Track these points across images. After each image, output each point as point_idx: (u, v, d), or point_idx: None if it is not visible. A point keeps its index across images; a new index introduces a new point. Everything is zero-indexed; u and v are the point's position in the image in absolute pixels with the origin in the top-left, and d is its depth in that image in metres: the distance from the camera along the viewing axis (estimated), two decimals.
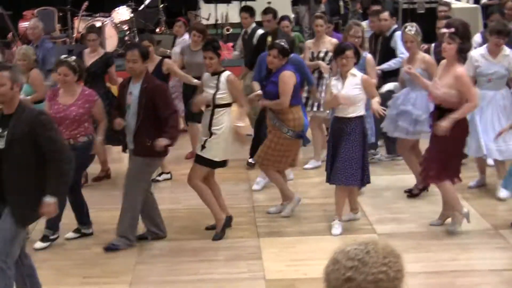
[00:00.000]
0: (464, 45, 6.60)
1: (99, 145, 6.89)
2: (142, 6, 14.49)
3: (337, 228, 6.84)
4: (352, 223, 7.09)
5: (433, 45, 8.74)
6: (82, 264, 6.39)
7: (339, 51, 6.83)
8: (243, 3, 13.20)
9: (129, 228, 6.63)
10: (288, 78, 7.02)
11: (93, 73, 8.35)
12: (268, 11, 9.41)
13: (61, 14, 14.64)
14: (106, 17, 14.04)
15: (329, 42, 8.84)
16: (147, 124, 6.44)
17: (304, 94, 8.51)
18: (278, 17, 9.47)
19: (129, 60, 6.52)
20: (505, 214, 7.26)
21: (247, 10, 9.99)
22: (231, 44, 12.54)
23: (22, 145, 4.96)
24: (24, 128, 4.98)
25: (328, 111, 7.98)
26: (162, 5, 14.94)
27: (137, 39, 13.10)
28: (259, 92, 7.37)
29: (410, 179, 7.92)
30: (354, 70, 6.83)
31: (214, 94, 6.71)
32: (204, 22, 14.54)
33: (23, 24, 13.12)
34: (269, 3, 13.49)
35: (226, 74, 6.78)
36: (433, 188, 7.35)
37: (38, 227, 6.72)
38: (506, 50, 7.61)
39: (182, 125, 9.15)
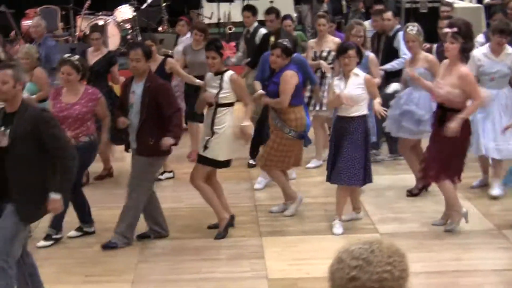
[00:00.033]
0: (466, 45, 6.61)
1: (104, 144, 6.90)
2: (145, 5, 14.48)
3: (337, 228, 6.83)
4: (354, 223, 7.09)
5: (435, 45, 8.73)
6: (84, 263, 6.40)
7: (341, 50, 6.82)
8: (245, 2, 13.19)
9: (128, 227, 6.62)
10: (290, 77, 7.02)
11: (96, 72, 8.35)
12: (271, 11, 9.40)
13: (63, 12, 14.66)
14: (109, 15, 14.03)
15: (332, 41, 8.83)
16: (150, 123, 6.43)
17: (307, 94, 8.51)
18: (281, 16, 9.46)
19: (132, 59, 6.52)
20: (508, 214, 7.24)
21: (249, 9, 9.98)
22: (233, 43, 12.53)
23: (25, 143, 4.97)
24: (26, 126, 4.99)
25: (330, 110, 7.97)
26: (164, 4, 14.93)
27: (139, 38, 13.09)
28: (262, 91, 7.36)
29: (412, 179, 7.91)
30: (357, 70, 6.82)
31: (217, 94, 6.70)
32: (207, 21, 14.55)
33: (26, 23, 13.14)
34: (271, 2, 13.52)
35: (229, 73, 6.77)
36: (435, 187, 7.34)
37: (41, 225, 6.71)
38: (509, 49, 7.61)
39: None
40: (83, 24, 13.88)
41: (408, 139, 7.70)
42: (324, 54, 8.80)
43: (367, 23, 9.71)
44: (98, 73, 8.44)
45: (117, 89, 8.55)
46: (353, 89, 6.73)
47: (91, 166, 7.52)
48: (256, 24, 9.86)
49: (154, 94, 6.46)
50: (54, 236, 6.74)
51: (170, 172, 8.72)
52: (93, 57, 8.63)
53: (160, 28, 14.75)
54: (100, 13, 14.29)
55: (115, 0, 14.76)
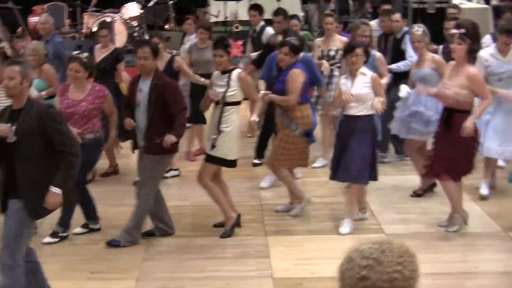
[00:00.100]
0: (474, 46, 6.61)
1: (112, 140, 6.90)
2: (152, 3, 14.48)
3: (345, 227, 6.82)
4: (360, 223, 7.07)
5: (441, 46, 8.71)
6: (89, 259, 6.39)
7: (348, 49, 6.82)
8: (252, 1, 13.18)
9: (135, 226, 6.61)
10: (297, 75, 7.01)
11: (102, 69, 8.36)
12: (279, 12, 9.37)
13: (70, 9, 14.67)
14: (116, 13, 14.04)
15: (339, 40, 8.81)
16: (157, 121, 6.43)
17: (315, 93, 8.49)
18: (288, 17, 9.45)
19: (140, 57, 6.52)
20: None
21: (256, 8, 9.98)
22: (240, 42, 12.51)
23: (31, 139, 4.98)
24: (33, 123, 4.99)
25: (338, 109, 7.96)
26: (171, 2, 14.93)
27: (146, 36, 13.09)
28: (266, 91, 7.34)
29: (418, 180, 7.89)
30: (364, 69, 6.81)
31: (225, 92, 6.69)
32: (213, 19, 14.54)
33: (33, 19, 13.16)
34: (278, 1, 13.50)
35: (237, 71, 6.76)
36: (440, 188, 7.31)
37: (47, 221, 6.72)
38: None
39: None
40: (89, 21, 13.89)
41: (415, 140, 7.69)
42: (332, 53, 8.77)
43: (374, 23, 9.69)
44: (105, 71, 8.46)
45: (123, 86, 8.55)
46: (360, 88, 6.72)
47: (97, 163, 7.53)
48: (262, 23, 9.85)
49: (161, 92, 6.45)
50: (61, 234, 6.74)
51: (176, 170, 8.72)
52: (100, 54, 8.66)
53: (166, 26, 14.75)
54: (107, 10, 14.30)
55: None
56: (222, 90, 6.71)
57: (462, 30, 6.57)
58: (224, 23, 15.08)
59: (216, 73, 6.90)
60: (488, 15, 13.29)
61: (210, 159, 6.75)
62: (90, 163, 6.84)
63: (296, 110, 7.06)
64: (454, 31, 6.72)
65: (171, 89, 6.54)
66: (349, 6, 14.96)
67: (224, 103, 6.70)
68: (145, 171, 6.59)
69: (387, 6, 10.16)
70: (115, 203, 7.67)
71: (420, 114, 7.54)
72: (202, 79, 8.36)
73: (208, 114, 7.60)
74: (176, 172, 8.71)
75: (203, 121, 8.96)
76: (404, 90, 7.40)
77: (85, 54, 6.90)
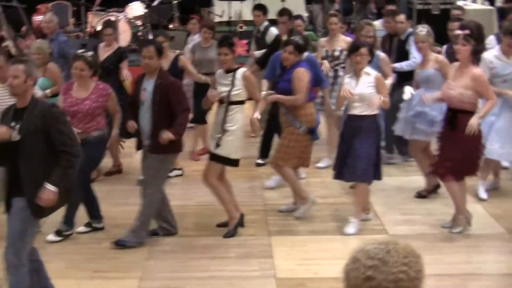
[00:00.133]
0: (478, 47, 6.61)
1: (114, 139, 6.89)
2: (156, 2, 14.49)
3: (351, 227, 6.80)
4: (364, 224, 7.05)
5: (445, 46, 8.70)
6: (92, 258, 6.39)
7: (353, 48, 6.82)
8: (256, 1, 13.17)
9: (142, 226, 6.60)
10: (302, 74, 7.00)
11: (106, 68, 8.36)
12: (283, 12, 9.37)
13: (75, 8, 14.68)
14: (120, 12, 14.04)
15: (343, 40, 8.80)
16: (161, 120, 6.42)
17: (320, 93, 8.46)
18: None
19: (145, 57, 6.51)
20: None
21: (260, 8, 9.98)
22: (245, 41, 12.52)
23: (35, 138, 4.98)
24: (36, 121, 5.00)
25: (342, 109, 7.95)
26: (176, 1, 14.93)
27: (150, 35, 13.09)
28: (269, 91, 7.33)
29: (422, 181, 7.88)
30: (368, 69, 6.81)
31: (230, 91, 6.68)
32: (218, 19, 14.54)
33: (37, 18, 13.17)
34: (283, 1, 13.49)
35: (241, 70, 6.76)
36: (445, 190, 7.30)
37: (50, 220, 6.71)
38: None
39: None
40: (94, 20, 13.90)
41: (420, 141, 7.68)
42: (336, 53, 8.76)
43: (377, 23, 9.68)
44: (108, 69, 8.45)
45: (127, 84, 8.55)
46: (364, 87, 6.72)
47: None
48: (266, 23, 9.85)
49: (165, 92, 6.45)
50: (65, 233, 6.75)
51: (179, 169, 8.71)
52: (104, 53, 8.67)
53: (171, 26, 14.75)
54: (111, 9, 14.30)
55: None
56: (226, 89, 6.70)
57: (467, 31, 6.56)
58: (228, 23, 15.08)
59: (219, 71, 6.89)
60: (492, 17, 13.27)
61: (215, 157, 6.74)
62: (95, 161, 6.85)
63: (300, 108, 7.05)
64: (458, 32, 6.72)
65: (175, 89, 6.53)
66: (353, 6, 14.95)
67: (228, 102, 6.69)
68: (150, 170, 6.59)
69: (391, 7, 10.15)
70: (118, 202, 7.67)
71: (424, 115, 7.53)
72: (204, 77, 8.39)
73: (210, 113, 7.60)
74: (179, 172, 8.71)
75: (203, 121, 8.98)
76: (408, 92, 7.40)
77: (90, 53, 6.92)
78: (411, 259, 2.15)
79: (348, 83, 6.82)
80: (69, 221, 6.71)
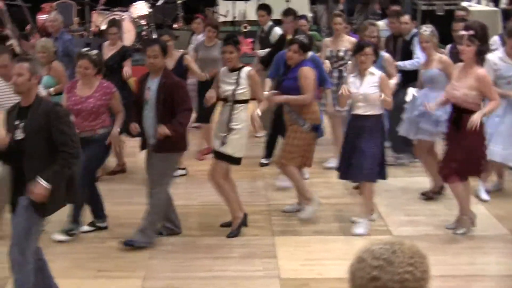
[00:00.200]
0: (482, 47, 6.60)
1: (115, 137, 6.88)
2: (161, 1, 14.50)
3: (361, 227, 6.78)
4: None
5: (448, 46, 8.69)
6: (96, 258, 6.39)
7: (358, 48, 6.82)
8: (261, 1, 13.18)
9: (150, 225, 6.59)
10: (308, 72, 7.00)
11: (110, 67, 8.37)
12: (288, 12, 9.37)
13: (79, 7, 14.70)
14: (124, 11, 14.06)
15: (348, 40, 8.79)
16: (165, 119, 6.41)
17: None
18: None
19: (150, 56, 6.51)
20: None
21: (264, 8, 9.98)
22: (250, 39, 12.52)
23: (39, 137, 4.98)
24: (40, 120, 5.00)
25: (345, 109, 7.93)
26: (180, 1, 14.95)
27: (154, 35, 13.10)
28: (273, 91, 7.32)
29: (427, 182, 7.87)
30: (372, 69, 6.80)
31: (235, 90, 6.68)
32: (222, 19, 14.55)
33: (42, 17, 13.19)
34: (287, 1, 13.49)
35: (246, 69, 6.75)
36: (449, 191, 7.29)
37: (54, 218, 6.70)
38: None
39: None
40: (98, 19, 13.91)
41: (425, 141, 7.66)
42: (341, 53, 8.75)
43: (381, 23, 9.67)
44: (112, 68, 8.46)
45: (131, 82, 8.56)
46: (368, 87, 6.71)
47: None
48: (270, 23, 9.85)
49: (170, 91, 6.44)
50: (73, 232, 6.75)
51: (183, 169, 8.71)
52: (108, 51, 8.68)
53: (175, 25, 14.75)
54: (116, 8, 14.32)
55: None
56: (230, 87, 6.69)
57: (471, 32, 6.56)
58: (233, 22, 15.09)
59: (223, 69, 6.88)
60: (497, 18, 13.26)
61: (220, 156, 6.73)
62: (100, 158, 6.85)
63: (304, 106, 7.04)
64: (463, 32, 6.71)
65: (179, 89, 6.53)
66: (355, 7, 14.97)
67: (233, 101, 6.69)
68: (154, 170, 6.58)
69: (396, 7, 10.14)
70: (122, 202, 7.68)
71: (429, 114, 7.51)
72: (203, 73, 8.43)
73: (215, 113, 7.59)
74: (183, 171, 8.70)
75: (207, 120, 8.99)
76: (410, 93, 7.39)
77: (94, 51, 6.92)
78: (417, 259, 2.15)
79: (352, 83, 6.82)
80: (75, 220, 6.71)
